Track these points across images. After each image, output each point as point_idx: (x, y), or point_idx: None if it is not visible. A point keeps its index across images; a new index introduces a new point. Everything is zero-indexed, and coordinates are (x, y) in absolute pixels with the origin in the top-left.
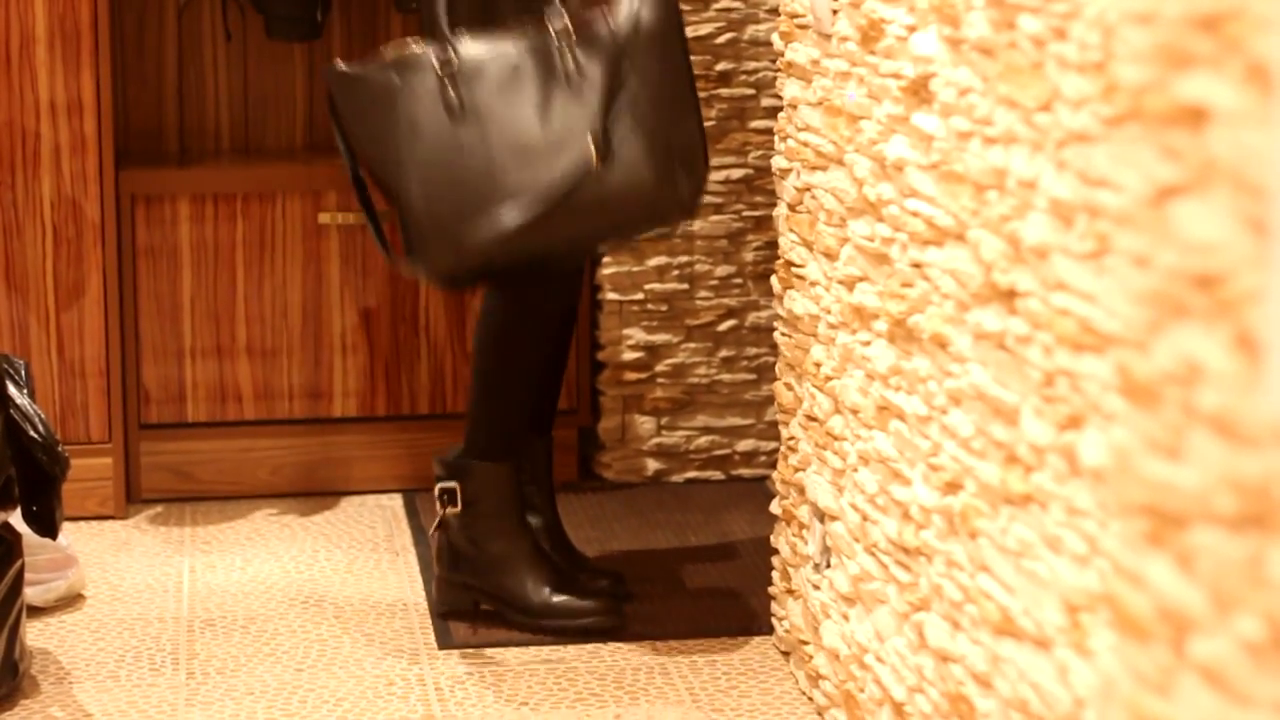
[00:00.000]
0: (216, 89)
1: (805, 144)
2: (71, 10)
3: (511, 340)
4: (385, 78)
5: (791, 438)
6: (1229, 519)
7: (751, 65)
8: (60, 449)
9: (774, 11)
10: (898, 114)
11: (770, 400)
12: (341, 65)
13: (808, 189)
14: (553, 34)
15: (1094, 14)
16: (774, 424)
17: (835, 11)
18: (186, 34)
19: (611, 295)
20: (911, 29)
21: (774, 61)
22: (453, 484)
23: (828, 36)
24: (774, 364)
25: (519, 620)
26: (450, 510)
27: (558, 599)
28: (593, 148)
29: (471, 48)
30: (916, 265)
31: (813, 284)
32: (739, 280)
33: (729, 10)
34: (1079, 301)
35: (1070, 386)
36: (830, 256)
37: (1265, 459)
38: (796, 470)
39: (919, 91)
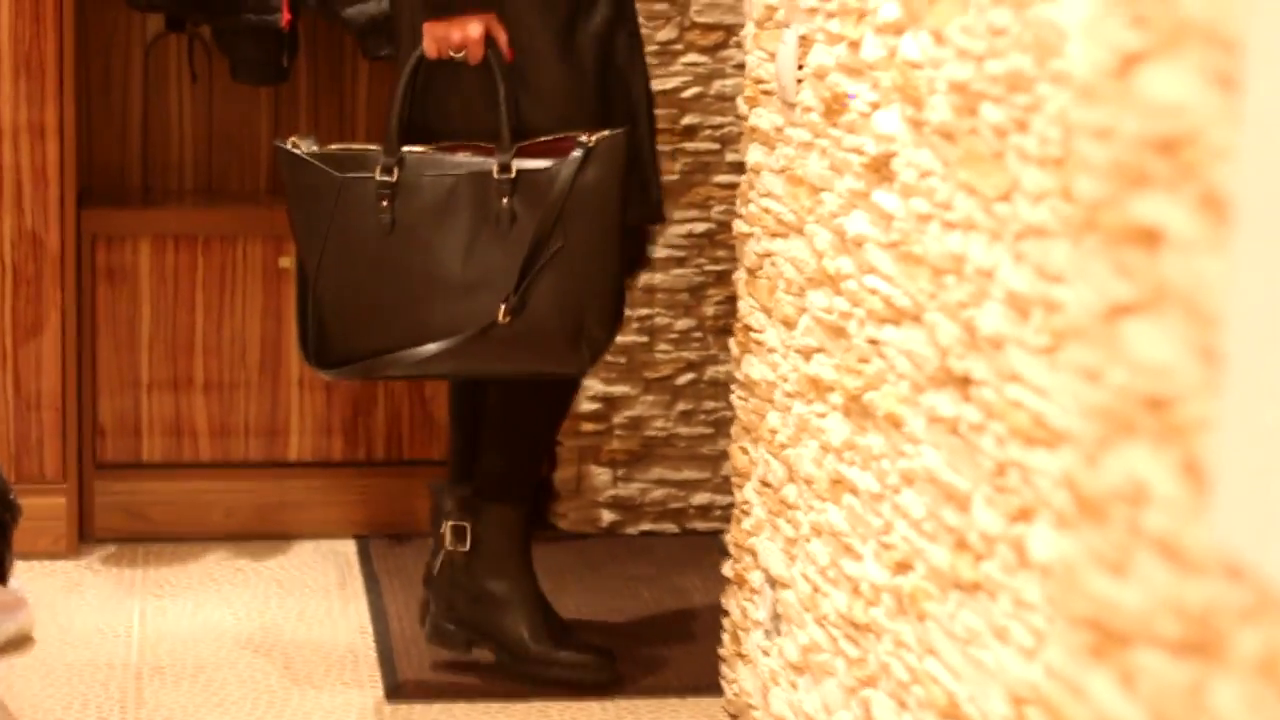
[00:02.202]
0: (181, 128)
1: (767, 210)
2: (37, 46)
3: (539, 386)
4: (328, 171)
5: (745, 501)
6: (1172, 643)
7: (717, 120)
8: (12, 496)
9: (741, 67)
10: (859, 189)
11: (726, 455)
12: (290, 145)
13: (768, 255)
14: (495, 169)
15: (1054, 110)
16: (730, 479)
17: (799, 81)
18: (153, 72)
19: None
20: (875, 106)
21: (740, 118)
22: (464, 522)
23: (791, 105)
24: (732, 419)
25: (511, 665)
26: (458, 548)
27: (560, 653)
28: (502, 306)
29: (415, 163)
30: (873, 342)
31: (770, 350)
32: (699, 334)
33: (695, 65)
34: (1033, 396)
35: (1021, 479)
36: (788, 325)
37: (1209, 587)
38: (749, 535)
39: (880, 169)
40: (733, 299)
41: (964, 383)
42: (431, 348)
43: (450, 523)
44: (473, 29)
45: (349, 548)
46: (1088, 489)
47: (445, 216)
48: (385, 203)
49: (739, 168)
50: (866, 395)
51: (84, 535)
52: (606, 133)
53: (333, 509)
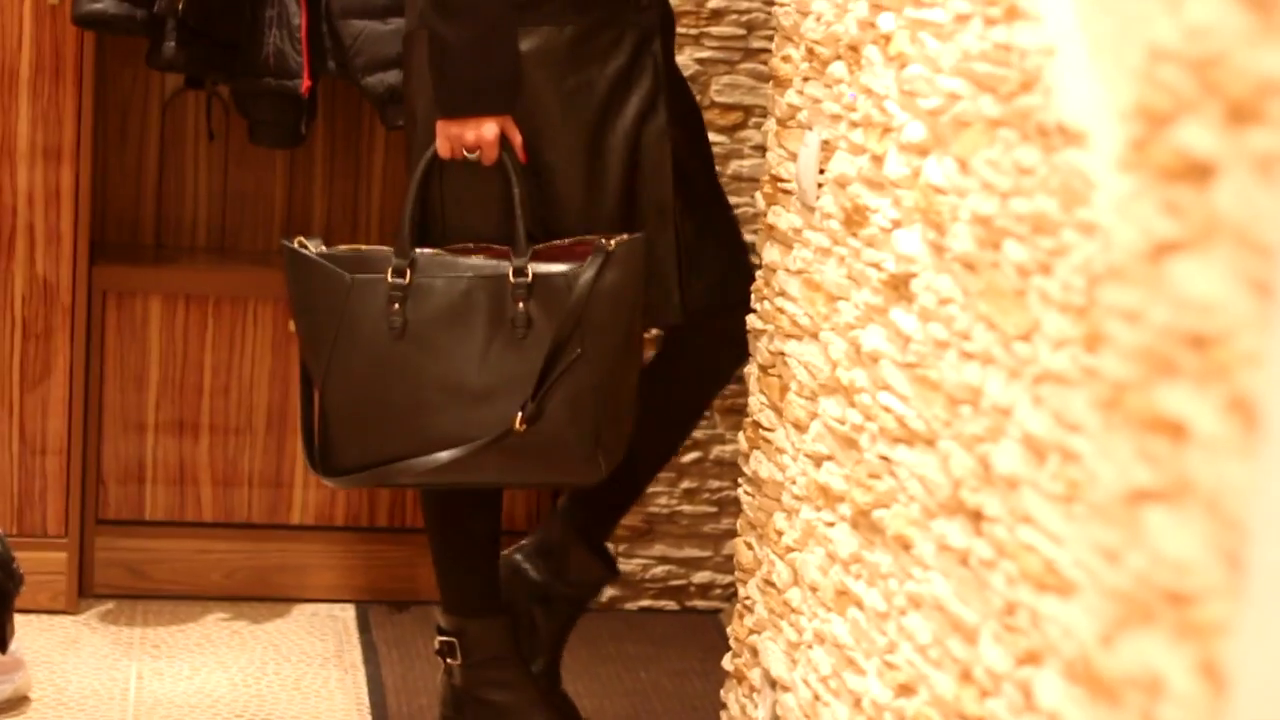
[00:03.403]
0: (196, 186)
1: (781, 310)
2: (55, 103)
3: (450, 510)
4: (338, 272)
5: (748, 598)
6: None
7: (734, 200)
8: (15, 565)
9: (759, 149)
10: (876, 304)
11: (729, 533)
12: (298, 245)
13: (781, 354)
14: (511, 273)
15: (1080, 259)
16: (731, 558)
17: (820, 185)
18: (170, 129)
19: None
20: (896, 223)
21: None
22: (451, 638)
23: (811, 209)
24: (736, 497)
25: None
26: (452, 661)
27: None
28: (519, 414)
29: (428, 264)
30: (885, 459)
31: (780, 450)
32: (706, 413)
33: (714, 144)
34: (1046, 541)
35: (1031, 621)
36: (799, 428)
37: None
38: (751, 632)
39: (899, 288)
40: (742, 380)
41: (976, 516)
42: (444, 455)
43: (438, 639)
44: (487, 130)
45: (348, 614)
46: (1102, 669)
47: (459, 321)
48: (397, 305)
49: (752, 248)
50: (876, 512)
51: (83, 590)
52: (625, 236)
53: (333, 573)
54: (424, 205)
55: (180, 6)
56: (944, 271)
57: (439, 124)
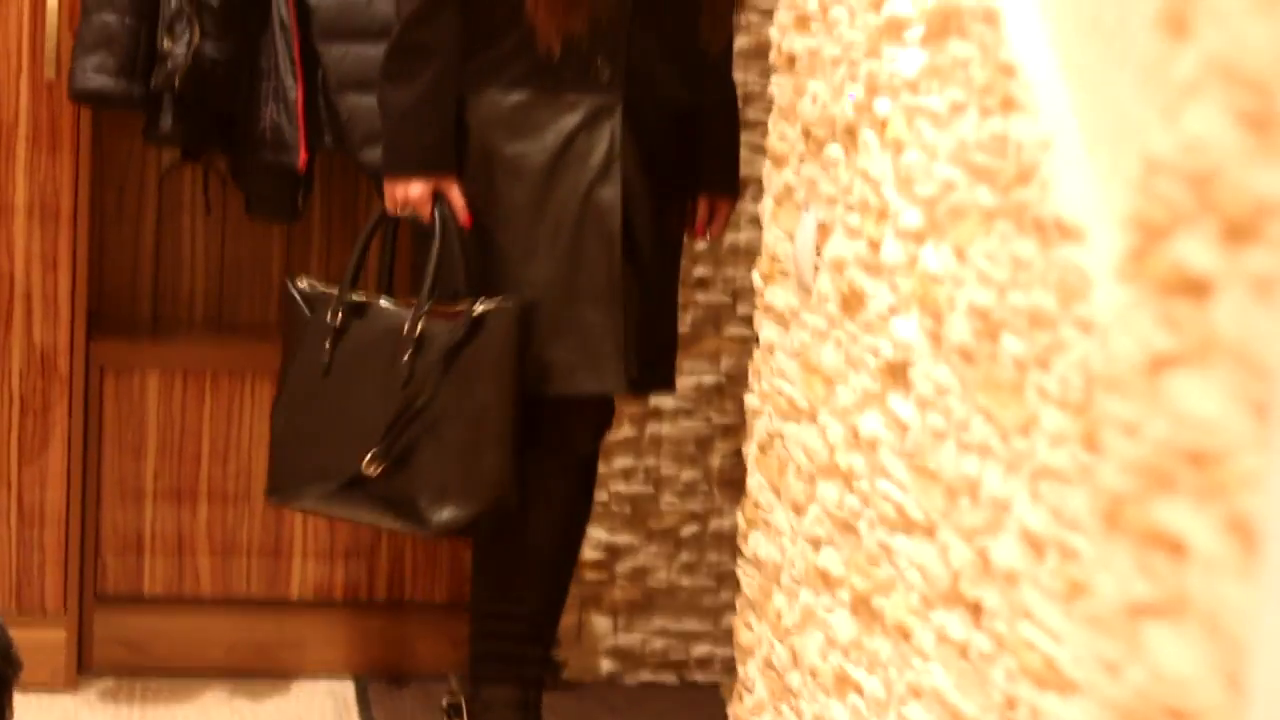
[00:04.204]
0: (193, 259)
1: (779, 391)
2: (53, 176)
3: (489, 569)
4: (301, 310)
5: (749, 679)
6: None
7: (730, 272)
8: (14, 651)
9: (755, 221)
10: (874, 390)
11: (728, 606)
12: (292, 281)
13: (779, 435)
14: (404, 327)
15: (1078, 356)
16: (731, 631)
17: (817, 267)
18: (166, 201)
19: None
20: (893, 309)
21: (751, 268)
22: (459, 699)
23: (808, 290)
24: (735, 571)
25: None
26: None
27: None
28: (367, 458)
29: (354, 309)
30: (884, 547)
31: (779, 532)
32: (705, 486)
33: None
34: (1046, 638)
35: (1031, 717)
36: (798, 510)
37: None
38: (752, 713)
39: (897, 375)
40: (739, 453)
41: (975, 609)
42: (317, 488)
43: (446, 700)
44: (413, 190)
45: (348, 690)
46: None
47: (365, 366)
48: (327, 344)
49: (749, 321)
50: (876, 599)
51: (82, 667)
52: (494, 303)
53: (333, 648)
54: (365, 254)
55: (177, 82)
56: (942, 361)
57: (384, 182)
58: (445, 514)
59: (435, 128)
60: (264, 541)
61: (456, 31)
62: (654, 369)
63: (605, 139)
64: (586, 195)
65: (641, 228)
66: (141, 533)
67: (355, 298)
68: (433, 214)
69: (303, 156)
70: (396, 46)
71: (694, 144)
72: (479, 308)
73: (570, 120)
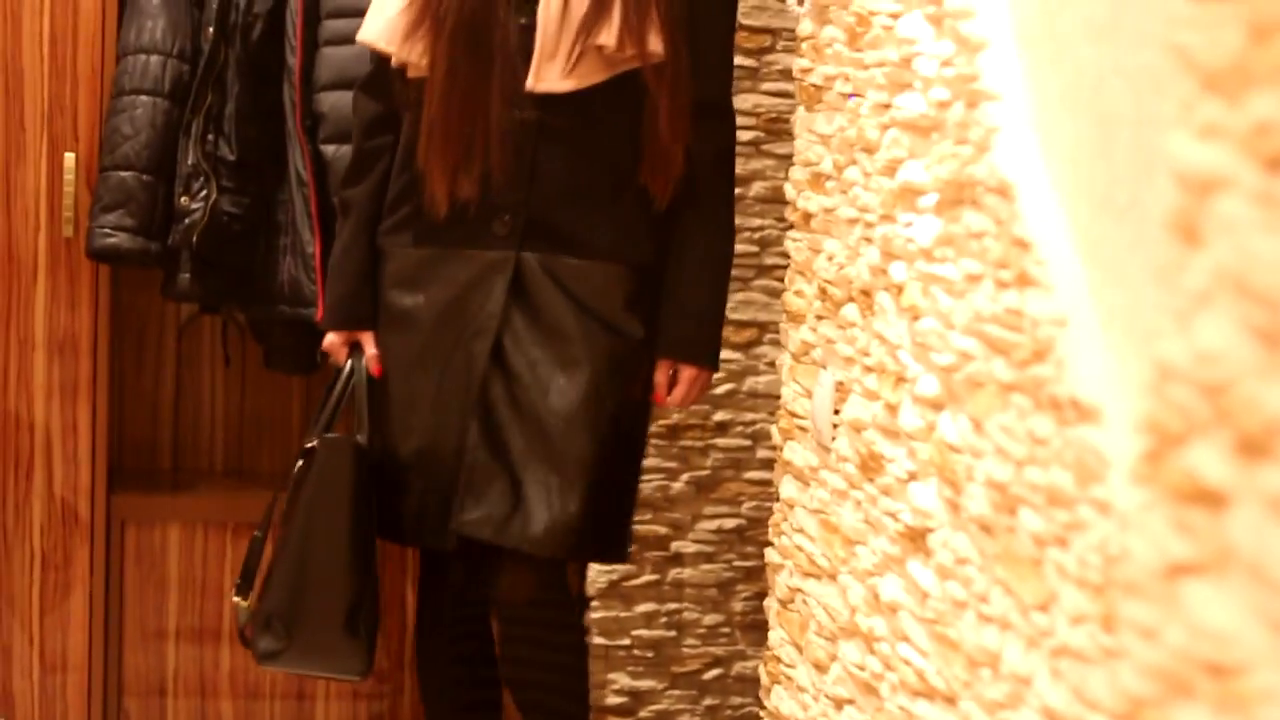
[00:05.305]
0: (213, 411)
1: (799, 548)
2: (71, 332)
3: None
4: (298, 467)
5: None
6: None
7: (749, 416)
8: None
9: (772, 365)
10: (894, 554)
11: None
12: (317, 435)
13: (799, 591)
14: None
15: (1097, 538)
16: None
17: (836, 426)
18: (186, 353)
19: (599, 640)
20: (912, 475)
21: (771, 413)
22: None
23: (827, 449)
24: (758, 714)
25: None
26: None
27: None
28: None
29: (310, 452)
30: (906, 712)
31: (801, 689)
32: (727, 629)
33: (728, 361)
34: None
35: None
36: (820, 669)
37: None
38: None
39: (916, 540)
40: (761, 595)
41: None
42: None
43: None
44: (330, 337)
45: None
46: None
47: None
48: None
49: (769, 465)
50: None
51: None
52: (330, 437)
53: None
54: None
55: (195, 239)
56: (961, 530)
57: None
58: (274, 637)
59: (347, 281)
60: (287, 684)
61: (372, 191)
62: (583, 536)
63: (493, 294)
64: (463, 349)
65: (533, 386)
66: (165, 684)
67: (310, 444)
68: (346, 361)
69: (321, 310)
70: (337, 204)
71: (654, 302)
72: (312, 441)
73: (463, 275)
